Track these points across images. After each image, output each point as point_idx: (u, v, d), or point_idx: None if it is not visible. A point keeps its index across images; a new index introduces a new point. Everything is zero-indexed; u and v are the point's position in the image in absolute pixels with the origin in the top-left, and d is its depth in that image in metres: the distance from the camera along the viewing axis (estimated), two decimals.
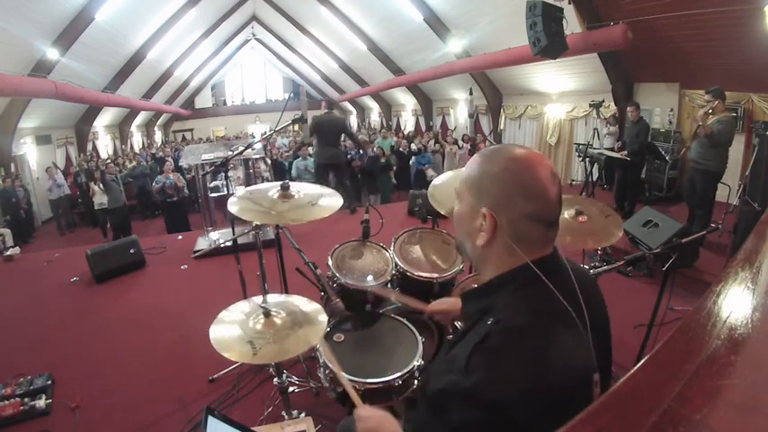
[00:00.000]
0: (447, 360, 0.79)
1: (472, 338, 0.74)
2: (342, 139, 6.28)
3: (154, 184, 7.61)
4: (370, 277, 2.15)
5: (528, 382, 0.67)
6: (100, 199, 7.86)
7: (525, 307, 0.75)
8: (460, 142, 10.46)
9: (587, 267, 3.17)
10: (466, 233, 0.84)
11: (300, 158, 8.40)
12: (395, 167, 9.23)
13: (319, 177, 5.96)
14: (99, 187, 7.84)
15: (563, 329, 0.72)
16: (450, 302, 1.28)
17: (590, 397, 0.71)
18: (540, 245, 0.79)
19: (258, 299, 1.72)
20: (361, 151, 8.48)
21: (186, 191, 7.97)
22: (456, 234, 0.90)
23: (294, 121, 3.04)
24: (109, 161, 9.63)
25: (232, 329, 1.55)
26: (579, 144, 7.44)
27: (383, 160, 8.75)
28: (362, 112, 22.66)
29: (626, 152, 5.60)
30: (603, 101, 6.35)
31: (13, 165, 9.17)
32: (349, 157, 8.51)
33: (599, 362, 0.75)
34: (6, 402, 2.39)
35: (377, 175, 8.57)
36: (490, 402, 0.66)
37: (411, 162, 9.56)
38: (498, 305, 0.77)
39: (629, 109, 5.74)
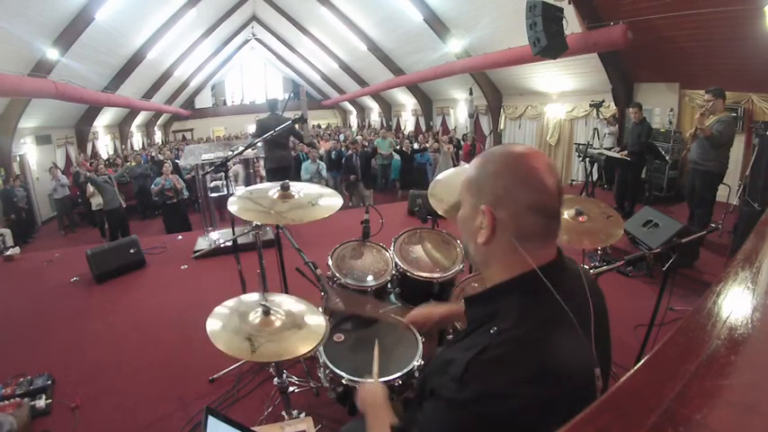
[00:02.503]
0: (444, 359, 0.78)
1: (472, 345, 0.74)
2: (290, 143, 6.10)
3: (153, 186, 7.59)
4: (370, 277, 2.15)
5: (525, 395, 0.66)
6: (97, 200, 7.85)
7: (528, 316, 0.73)
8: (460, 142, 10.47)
9: (587, 267, 3.18)
10: (469, 234, 0.83)
11: (310, 161, 8.39)
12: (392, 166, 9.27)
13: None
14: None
15: (565, 336, 0.72)
16: (424, 313, 1.26)
17: (593, 392, 0.73)
18: (543, 240, 0.78)
19: (257, 295, 1.72)
20: (348, 152, 8.45)
21: (186, 192, 7.96)
22: (462, 239, 0.90)
23: (294, 122, 3.04)
24: (97, 163, 9.24)
25: (230, 321, 1.53)
26: (579, 144, 7.45)
27: (380, 161, 8.81)
28: (362, 112, 22.66)
29: (626, 152, 5.60)
30: (603, 101, 6.35)
31: (15, 165, 9.16)
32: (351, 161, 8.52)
33: (601, 354, 0.77)
34: (6, 402, 2.38)
35: (368, 170, 8.60)
36: (483, 416, 0.66)
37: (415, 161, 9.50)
38: (502, 312, 0.76)
39: (630, 111, 5.69)
